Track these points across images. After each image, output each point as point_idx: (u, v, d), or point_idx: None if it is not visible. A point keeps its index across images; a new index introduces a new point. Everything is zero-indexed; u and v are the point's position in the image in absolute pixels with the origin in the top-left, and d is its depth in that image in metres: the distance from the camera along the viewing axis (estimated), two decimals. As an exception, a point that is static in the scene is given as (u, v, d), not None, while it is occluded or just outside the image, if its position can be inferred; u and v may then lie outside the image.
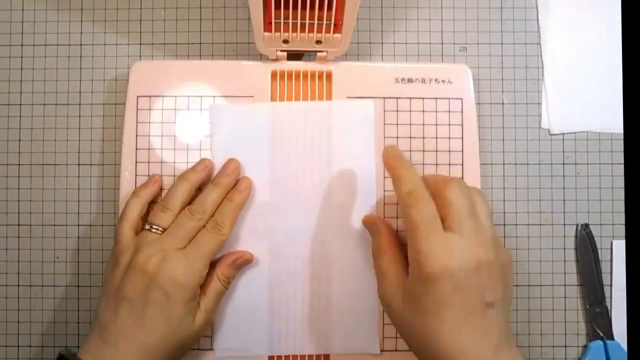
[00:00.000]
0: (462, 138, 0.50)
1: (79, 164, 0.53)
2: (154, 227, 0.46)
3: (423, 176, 0.43)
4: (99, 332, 0.44)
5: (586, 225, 0.53)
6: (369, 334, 0.49)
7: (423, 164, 0.50)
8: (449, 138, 0.50)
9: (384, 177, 0.50)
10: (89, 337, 0.44)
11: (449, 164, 0.50)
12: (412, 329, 0.40)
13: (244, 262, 0.48)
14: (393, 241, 0.45)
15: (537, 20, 0.54)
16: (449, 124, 0.50)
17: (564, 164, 0.53)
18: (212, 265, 0.47)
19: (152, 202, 0.49)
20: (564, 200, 0.53)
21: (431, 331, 0.39)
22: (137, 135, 0.50)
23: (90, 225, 0.53)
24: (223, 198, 0.48)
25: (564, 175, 0.53)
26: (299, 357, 0.50)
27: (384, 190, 0.50)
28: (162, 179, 0.50)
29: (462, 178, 0.50)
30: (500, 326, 0.40)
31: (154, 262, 0.44)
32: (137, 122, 0.50)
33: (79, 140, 0.53)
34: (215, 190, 0.48)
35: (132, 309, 0.43)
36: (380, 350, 0.49)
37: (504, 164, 0.53)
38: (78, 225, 0.53)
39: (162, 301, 0.43)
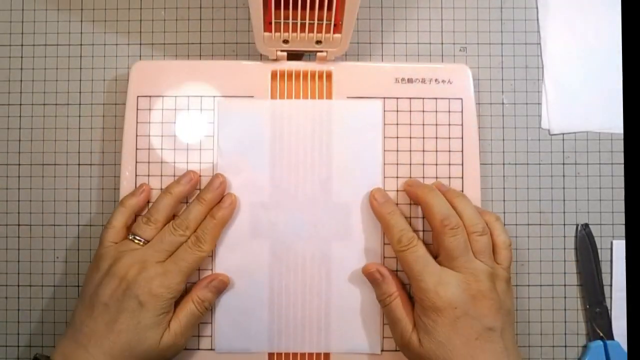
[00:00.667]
0: (462, 138, 0.50)
1: (79, 164, 0.53)
2: (137, 238, 0.47)
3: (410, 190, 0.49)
4: (72, 334, 0.44)
5: (586, 225, 0.53)
6: (369, 333, 0.49)
7: (423, 164, 0.50)
8: (449, 138, 0.50)
9: (384, 177, 0.50)
10: (62, 338, 0.45)
11: (449, 164, 0.50)
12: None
13: (219, 284, 0.48)
14: (398, 284, 0.48)
15: (537, 20, 0.54)
16: (449, 124, 0.51)
17: (564, 164, 0.53)
18: (189, 289, 0.48)
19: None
20: (564, 200, 0.53)
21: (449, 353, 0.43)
22: (137, 136, 0.50)
23: (90, 225, 0.53)
24: (207, 214, 0.48)
25: (564, 175, 0.53)
26: (299, 355, 0.50)
27: (384, 190, 0.50)
28: (150, 189, 0.50)
29: (462, 178, 0.50)
30: (510, 348, 0.43)
31: (132, 271, 0.45)
32: (137, 122, 0.51)
33: (79, 140, 0.53)
34: (199, 206, 0.48)
35: (106, 314, 0.44)
36: (381, 350, 0.49)
37: (504, 164, 0.53)
38: (78, 225, 0.53)
39: (135, 309, 0.44)
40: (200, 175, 0.50)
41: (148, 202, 0.50)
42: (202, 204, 0.48)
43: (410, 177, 0.50)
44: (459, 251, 0.44)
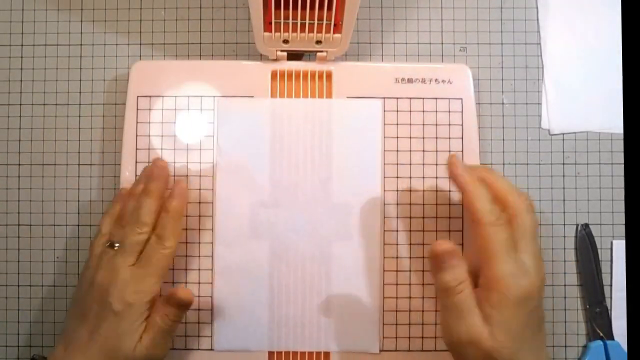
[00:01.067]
0: (462, 138, 0.51)
1: (79, 164, 0.53)
2: (113, 243, 0.46)
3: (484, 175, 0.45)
4: (63, 342, 0.45)
5: (586, 225, 0.53)
6: (368, 333, 0.50)
7: (423, 163, 0.50)
8: (449, 138, 0.51)
9: (384, 177, 0.50)
10: (57, 345, 0.45)
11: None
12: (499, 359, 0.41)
13: (179, 301, 0.46)
14: (470, 272, 0.43)
15: (537, 20, 0.54)
16: (449, 124, 0.51)
17: (564, 164, 0.53)
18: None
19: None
20: (564, 200, 0.53)
21: (519, 355, 0.40)
22: (137, 136, 0.51)
23: (90, 225, 0.53)
24: (159, 204, 0.47)
25: (564, 175, 0.53)
26: (298, 353, 0.50)
27: (384, 190, 0.50)
28: (128, 194, 0.49)
29: None
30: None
31: (106, 280, 0.44)
32: (137, 122, 0.51)
33: (79, 140, 0.53)
34: (147, 199, 0.46)
35: (89, 323, 0.44)
36: (380, 350, 0.50)
37: (504, 164, 0.53)
38: (78, 225, 0.53)
39: (112, 318, 0.44)
40: (200, 176, 0.50)
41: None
42: (150, 195, 0.46)
43: (410, 177, 0.50)
44: (531, 232, 0.42)
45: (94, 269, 0.46)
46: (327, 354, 0.50)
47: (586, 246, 0.53)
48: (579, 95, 0.54)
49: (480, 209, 0.42)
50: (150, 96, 0.51)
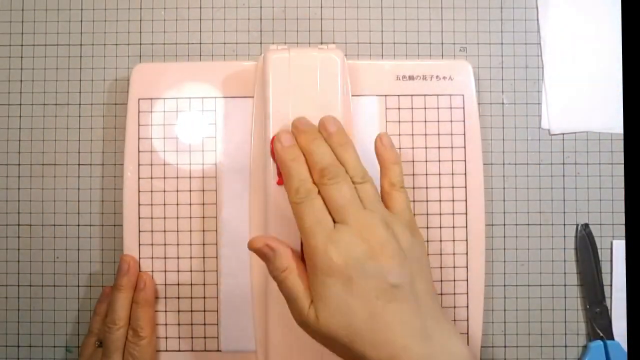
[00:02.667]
0: (464, 134, 0.50)
1: (79, 164, 0.53)
2: (100, 342, 0.49)
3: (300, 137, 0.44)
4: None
5: (586, 225, 0.53)
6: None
7: (426, 160, 0.50)
8: (451, 134, 0.50)
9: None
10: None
11: (452, 161, 0.50)
12: (336, 338, 0.38)
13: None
14: (293, 255, 0.42)
15: (537, 20, 0.54)
16: (451, 121, 0.51)
17: (564, 164, 0.53)
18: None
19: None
20: (564, 200, 0.53)
21: (350, 329, 0.38)
22: (139, 138, 0.50)
23: (90, 225, 0.53)
24: (130, 297, 0.49)
25: (564, 175, 0.53)
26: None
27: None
28: (109, 290, 0.50)
29: (465, 174, 0.50)
30: (423, 305, 0.39)
31: None
32: (139, 125, 0.50)
33: (79, 140, 0.53)
34: (119, 294, 0.49)
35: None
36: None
37: (504, 164, 0.53)
38: (78, 225, 0.53)
39: None
40: (203, 177, 0.50)
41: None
42: (121, 290, 0.49)
43: (413, 174, 0.50)
44: (343, 200, 0.40)
45: None
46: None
47: (586, 246, 0.53)
48: (579, 95, 0.54)
49: (287, 190, 0.42)
50: (151, 98, 0.51)
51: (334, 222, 0.40)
